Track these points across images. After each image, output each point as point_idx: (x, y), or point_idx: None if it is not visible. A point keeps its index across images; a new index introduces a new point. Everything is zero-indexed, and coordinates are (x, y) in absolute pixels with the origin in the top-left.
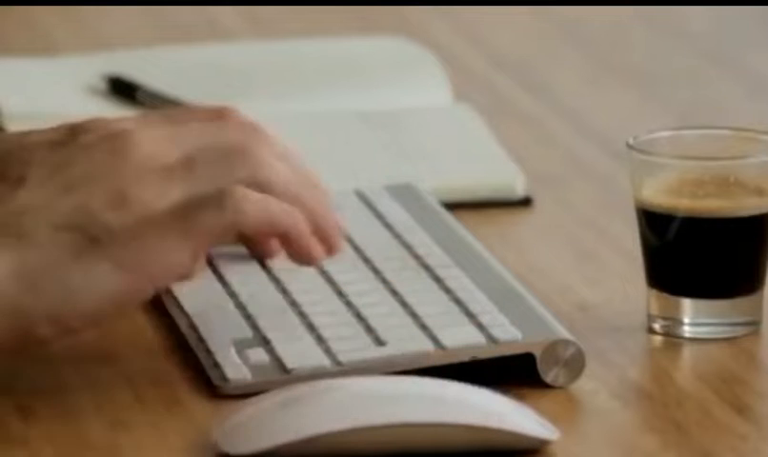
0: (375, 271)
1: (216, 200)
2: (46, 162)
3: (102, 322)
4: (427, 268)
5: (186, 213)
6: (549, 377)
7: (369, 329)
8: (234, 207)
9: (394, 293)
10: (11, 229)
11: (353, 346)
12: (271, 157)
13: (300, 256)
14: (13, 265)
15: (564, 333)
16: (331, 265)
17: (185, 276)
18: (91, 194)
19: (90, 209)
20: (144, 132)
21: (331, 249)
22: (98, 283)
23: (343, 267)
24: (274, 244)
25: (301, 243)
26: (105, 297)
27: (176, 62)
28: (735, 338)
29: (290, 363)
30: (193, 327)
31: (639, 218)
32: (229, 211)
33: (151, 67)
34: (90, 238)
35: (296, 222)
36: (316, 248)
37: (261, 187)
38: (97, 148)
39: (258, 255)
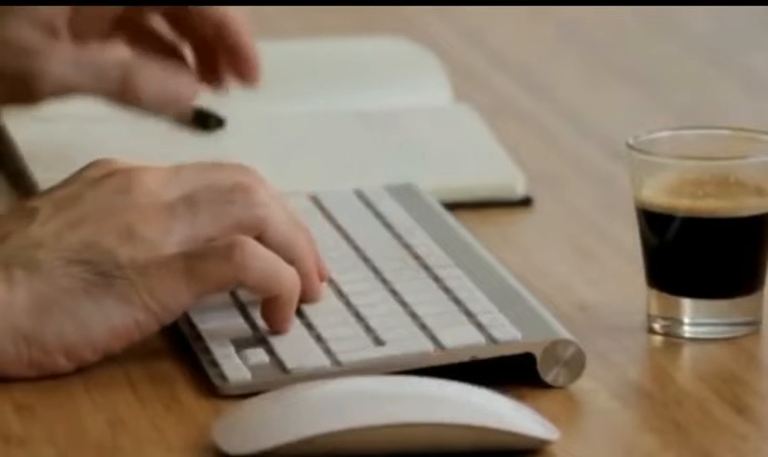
0: (375, 271)
1: (224, 251)
2: (54, 197)
3: (112, 353)
4: (427, 268)
5: (193, 259)
6: (549, 377)
7: (368, 329)
8: (241, 261)
9: (394, 293)
10: (24, 262)
11: (352, 346)
12: (267, 197)
13: (276, 322)
14: (28, 297)
15: (564, 333)
16: (331, 264)
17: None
18: (99, 230)
19: (98, 245)
20: (147, 171)
21: (312, 297)
22: (108, 317)
23: (343, 267)
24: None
25: (285, 310)
26: (114, 331)
27: None
28: (735, 338)
29: (289, 363)
30: (193, 327)
31: (639, 218)
32: (234, 265)
33: None
34: (100, 273)
35: (292, 289)
36: (292, 320)
37: (257, 225)
38: (103, 183)
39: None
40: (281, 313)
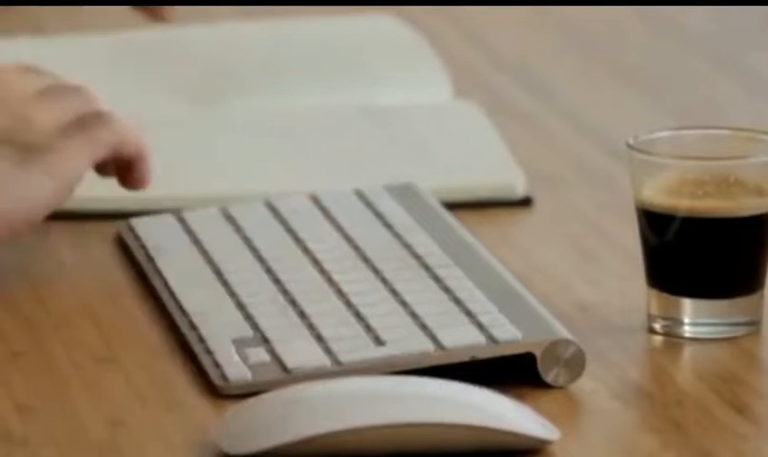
0: (375, 271)
1: (108, 119)
2: None
3: (35, 226)
4: (427, 267)
5: (85, 126)
6: (549, 377)
7: (369, 329)
8: (123, 127)
9: (394, 293)
10: None
11: (353, 345)
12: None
13: (141, 181)
14: None
15: (564, 333)
16: (331, 264)
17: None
18: (3, 121)
19: (10, 130)
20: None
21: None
22: (37, 189)
23: (343, 266)
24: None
25: (148, 169)
26: (42, 202)
27: (176, 64)
28: (735, 338)
29: (290, 363)
30: (193, 327)
31: (639, 218)
32: (119, 129)
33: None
34: (24, 148)
35: (149, 151)
36: None
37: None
38: None
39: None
40: (147, 168)
